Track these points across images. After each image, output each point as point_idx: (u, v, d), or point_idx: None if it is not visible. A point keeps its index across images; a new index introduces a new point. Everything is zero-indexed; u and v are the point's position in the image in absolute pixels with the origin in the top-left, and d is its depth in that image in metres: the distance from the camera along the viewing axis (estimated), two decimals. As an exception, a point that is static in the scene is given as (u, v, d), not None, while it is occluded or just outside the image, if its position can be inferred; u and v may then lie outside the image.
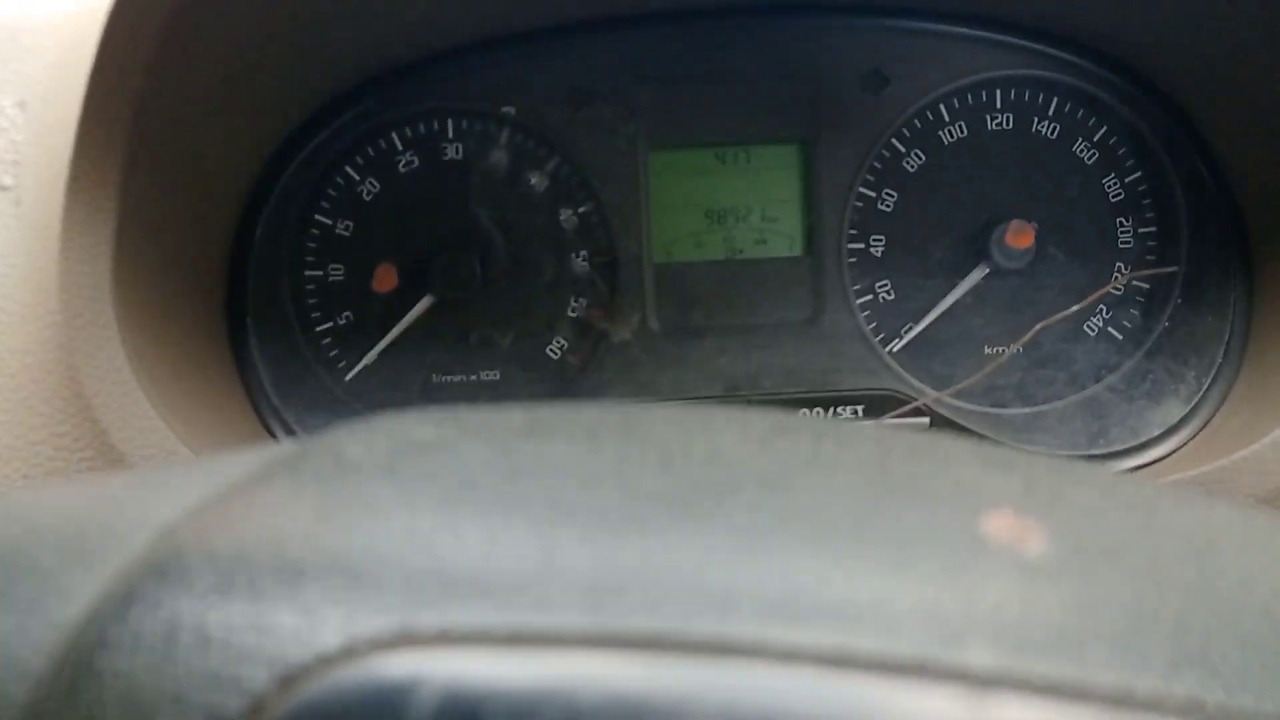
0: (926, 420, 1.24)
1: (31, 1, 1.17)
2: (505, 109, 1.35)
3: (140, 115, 1.06)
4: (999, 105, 1.35)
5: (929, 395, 1.25)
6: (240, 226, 1.32)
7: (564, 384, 1.33)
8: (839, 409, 1.25)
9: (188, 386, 1.16)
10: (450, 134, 1.37)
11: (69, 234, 1.05)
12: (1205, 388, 1.24)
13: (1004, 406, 1.28)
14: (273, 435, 1.27)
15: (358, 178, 1.37)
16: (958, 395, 1.27)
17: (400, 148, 1.37)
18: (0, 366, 1.08)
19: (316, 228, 1.36)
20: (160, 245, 1.15)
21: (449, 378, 1.35)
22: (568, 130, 1.35)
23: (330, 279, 1.37)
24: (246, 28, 1.12)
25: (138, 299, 1.10)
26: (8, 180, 1.13)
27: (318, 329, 1.36)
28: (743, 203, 1.36)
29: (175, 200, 1.17)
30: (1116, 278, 1.31)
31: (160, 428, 1.07)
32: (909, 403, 1.26)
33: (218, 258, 1.29)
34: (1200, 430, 1.21)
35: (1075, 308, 1.27)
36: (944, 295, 1.33)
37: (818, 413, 1.25)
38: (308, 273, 1.36)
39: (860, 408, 1.26)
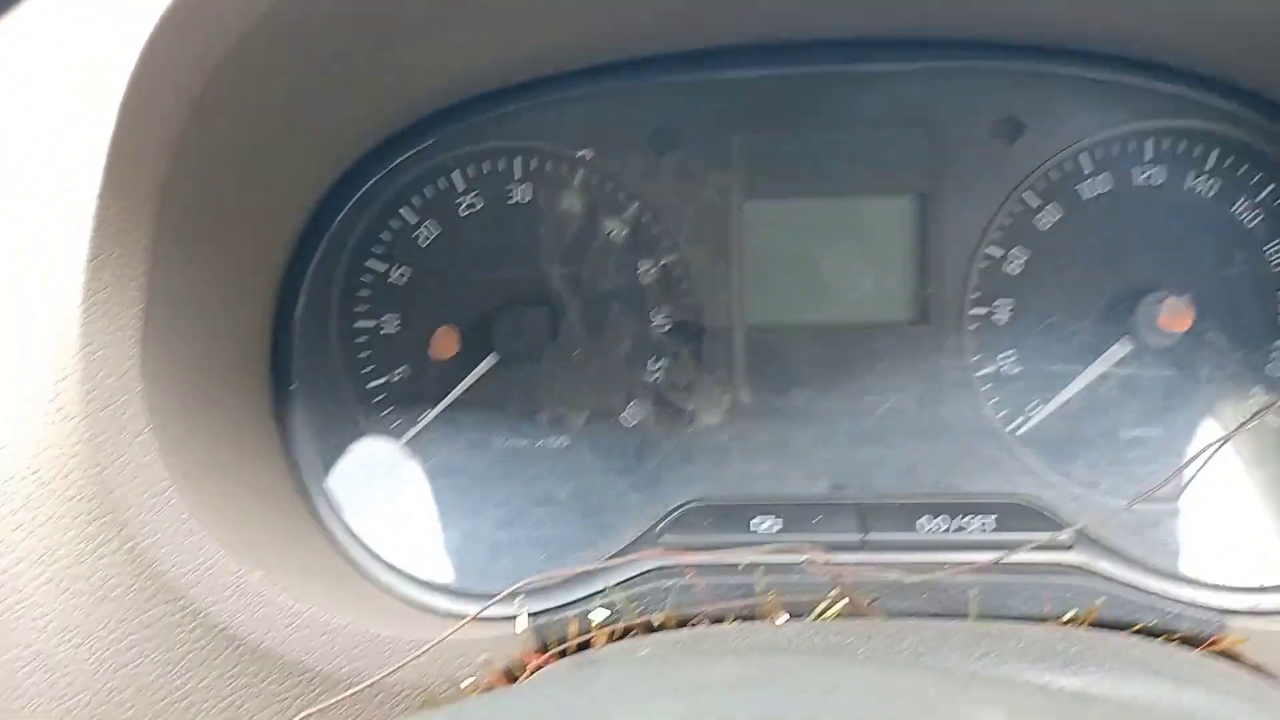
0: (1069, 540, 1.08)
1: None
2: (582, 152, 1.20)
3: (172, 171, 0.92)
4: (1148, 157, 1.17)
5: (1077, 523, 1.08)
6: (284, 279, 1.19)
7: (637, 461, 1.18)
8: (966, 518, 1.10)
9: (226, 475, 1.03)
10: (517, 175, 1.22)
11: (91, 316, 0.91)
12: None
13: (1155, 524, 1.11)
14: (321, 522, 1.14)
15: (415, 221, 1.22)
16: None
17: (462, 189, 1.22)
18: (19, 463, 0.95)
19: (369, 275, 1.22)
20: (195, 317, 1.01)
21: (515, 442, 1.21)
22: (650, 176, 1.20)
23: (383, 331, 1.23)
24: (297, 61, 0.97)
25: (170, 380, 0.97)
26: (16, 242, 0.99)
27: (369, 386, 1.22)
28: (849, 261, 1.20)
29: (211, 260, 1.03)
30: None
31: (195, 529, 0.94)
32: (1045, 514, 1.10)
33: (260, 317, 1.15)
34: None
35: (1262, 411, 1.09)
36: (1077, 372, 1.17)
37: (941, 523, 1.09)
38: (359, 324, 1.23)
39: (993, 519, 1.10)
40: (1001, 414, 1.18)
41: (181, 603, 0.94)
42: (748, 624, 0.93)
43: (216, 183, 0.99)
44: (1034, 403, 1.18)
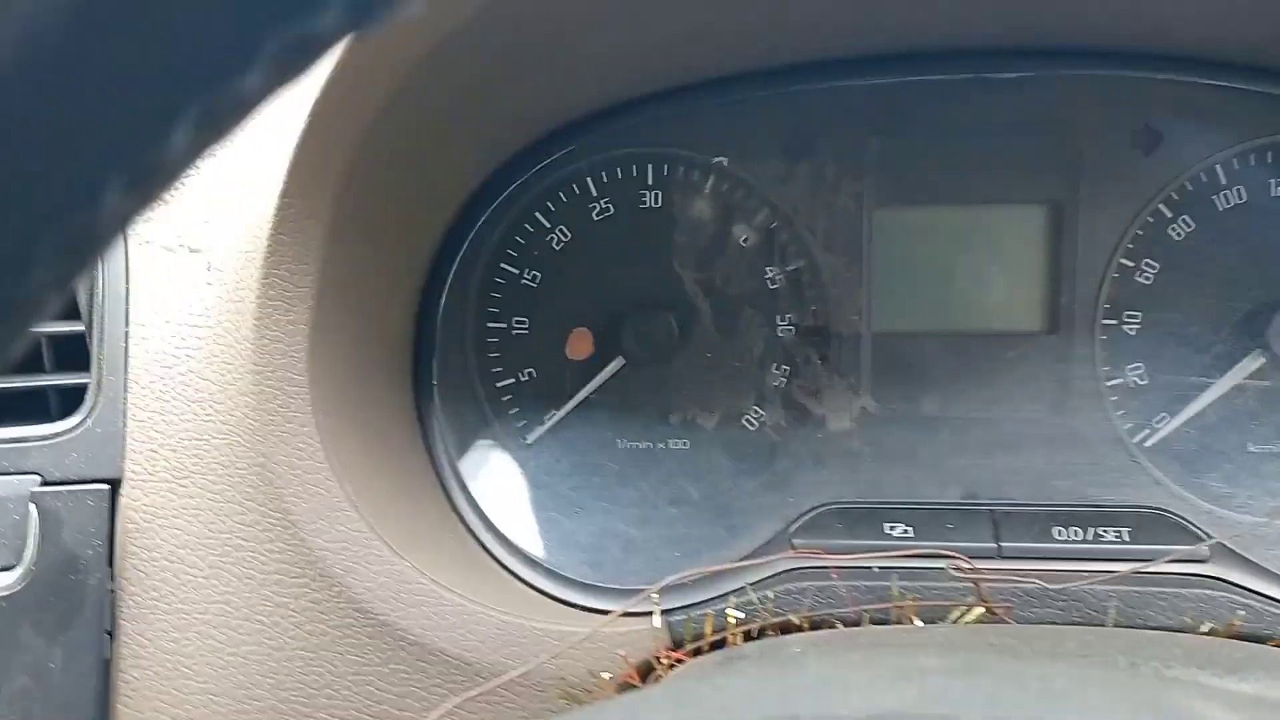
0: (1207, 552, 1.07)
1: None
2: (717, 159, 1.22)
3: (349, 173, 0.96)
4: (1286, 169, 1.16)
5: (1214, 536, 1.08)
6: (428, 281, 1.23)
7: (768, 463, 1.20)
8: (1101, 529, 1.10)
9: (377, 468, 1.07)
10: (650, 181, 1.25)
11: (264, 312, 0.96)
12: None
13: (1298, 538, 1.10)
14: (461, 515, 1.18)
15: (548, 225, 1.26)
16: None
17: (595, 194, 1.25)
18: (191, 454, 1.00)
19: (502, 277, 1.26)
20: (355, 314, 1.06)
21: (635, 444, 1.24)
22: (783, 182, 1.22)
23: (514, 332, 1.26)
24: (468, 73, 1.01)
25: (331, 377, 1.01)
26: (196, 242, 1.05)
27: (498, 385, 1.26)
28: (980, 270, 1.21)
29: (371, 263, 1.08)
30: None
31: (353, 519, 0.99)
32: (1183, 525, 1.10)
33: (407, 316, 1.20)
34: None
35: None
36: (1205, 386, 1.16)
37: (1075, 532, 1.09)
38: (490, 324, 1.26)
39: (1126, 530, 1.10)
40: (1128, 425, 1.18)
41: (338, 589, 0.99)
42: (891, 627, 0.95)
43: (383, 186, 1.03)
44: (1161, 416, 1.17)
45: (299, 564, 0.99)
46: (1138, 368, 1.18)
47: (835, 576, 1.00)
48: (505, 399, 1.26)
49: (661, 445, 1.23)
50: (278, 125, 0.95)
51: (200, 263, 1.03)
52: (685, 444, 1.22)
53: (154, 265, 1.05)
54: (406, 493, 1.11)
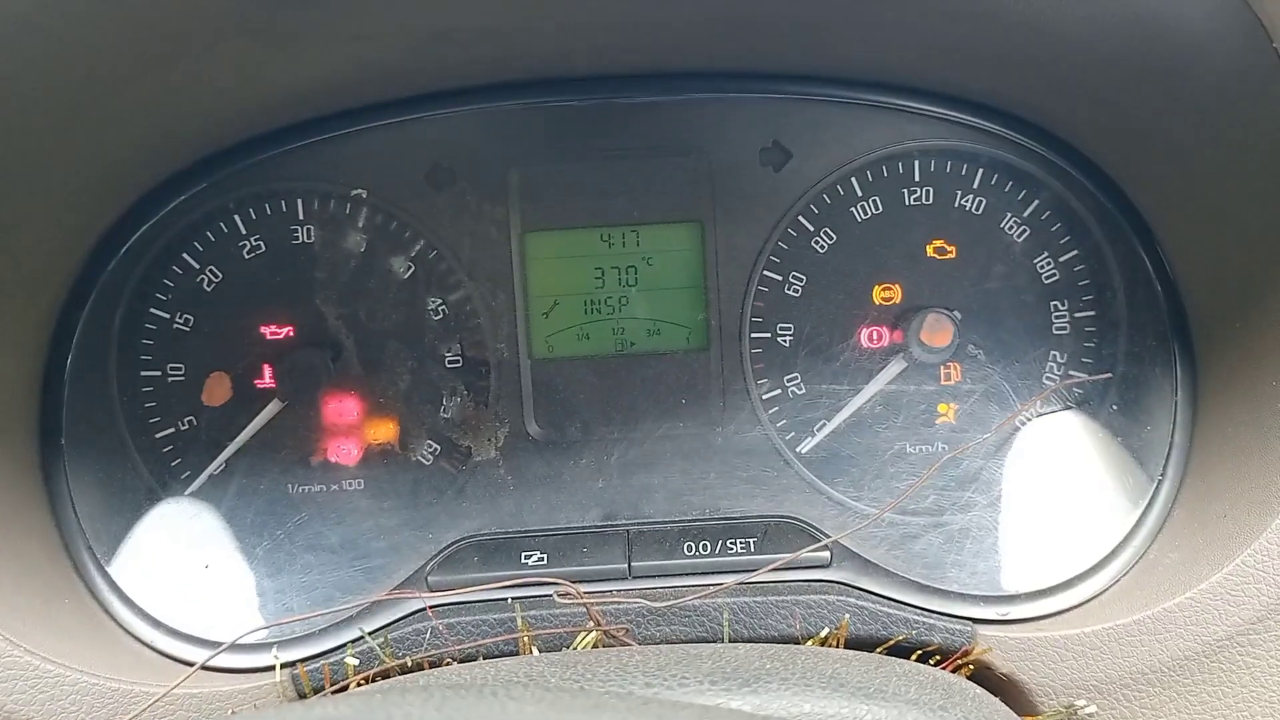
0: (828, 555, 1.09)
1: None
2: (356, 190, 1.19)
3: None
4: (917, 179, 1.20)
5: (831, 536, 1.10)
6: (57, 331, 1.16)
7: (411, 500, 1.16)
8: (730, 542, 1.10)
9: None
10: (301, 215, 1.21)
11: None
12: (1141, 512, 1.10)
13: (915, 537, 1.13)
14: (85, 578, 1.10)
15: (197, 265, 1.20)
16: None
17: (244, 231, 1.21)
18: None
19: (152, 322, 1.20)
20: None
21: (296, 487, 1.19)
22: (430, 212, 1.20)
23: (170, 379, 1.20)
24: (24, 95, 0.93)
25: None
26: None
27: (156, 435, 1.20)
28: (631, 290, 1.21)
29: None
30: (1037, 401, 1.16)
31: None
32: (807, 531, 1.11)
33: (24, 371, 1.12)
34: (1134, 564, 1.07)
35: (994, 430, 1.13)
36: (859, 390, 1.19)
37: (705, 546, 1.10)
38: (144, 373, 1.20)
39: (753, 540, 1.10)
40: (788, 436, 1.19)
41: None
42: (488, 661, 0.92)
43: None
44: (820, 423, 1.19)
45: None
46: (794, 377, 1.20)
47: (431, 616, 0.97)
48: (165, 449, 1.20)
49: (317, 488, 1.18)
50: None
51: None
52: (339, 485, 1.18)
53: None
54: (19, 560, 1.04)
